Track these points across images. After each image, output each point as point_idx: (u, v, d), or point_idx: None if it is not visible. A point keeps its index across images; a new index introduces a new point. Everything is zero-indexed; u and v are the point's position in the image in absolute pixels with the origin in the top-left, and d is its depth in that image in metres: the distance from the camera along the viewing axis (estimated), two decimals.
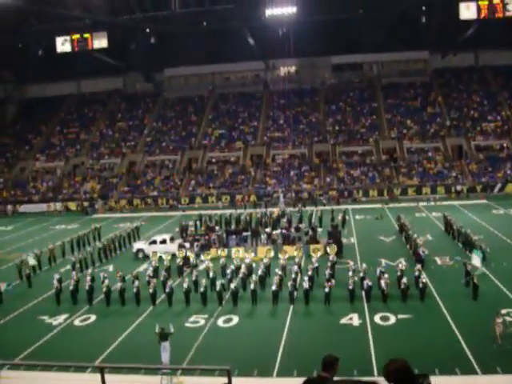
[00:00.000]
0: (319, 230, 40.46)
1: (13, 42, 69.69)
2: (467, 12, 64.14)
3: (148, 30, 70.15)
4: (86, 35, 68.94)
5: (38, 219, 59.51)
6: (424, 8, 66.93)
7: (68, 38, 69.22)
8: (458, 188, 59.48)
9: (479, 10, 63.70)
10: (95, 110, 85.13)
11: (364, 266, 28.99)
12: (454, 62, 77.73)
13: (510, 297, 25.82)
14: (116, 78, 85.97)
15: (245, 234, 39.37)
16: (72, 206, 65.86)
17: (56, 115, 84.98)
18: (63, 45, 69.70)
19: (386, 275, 27.02)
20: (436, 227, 43.57)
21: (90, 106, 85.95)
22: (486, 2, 63.58)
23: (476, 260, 29.23)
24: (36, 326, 26.17)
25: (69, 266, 35.64)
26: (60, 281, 29.96)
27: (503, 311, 23.30)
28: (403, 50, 75.51)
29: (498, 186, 59.62)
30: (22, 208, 66.63)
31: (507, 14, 63.72)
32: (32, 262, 35.35)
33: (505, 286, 27.50)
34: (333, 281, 27.56)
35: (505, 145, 65.83)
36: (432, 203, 55.17)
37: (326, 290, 26.59)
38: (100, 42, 69.17)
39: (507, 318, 22.85)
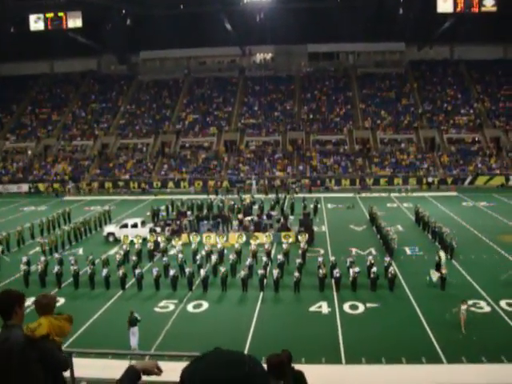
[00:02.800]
0: (291, 217, 40.55)
1: None
2: (444, 5, 64.55)
3: (124, 12, 69.28)
4: (61, 14, 67.73)
5: (6, 200, 58.59)
6: None
7: (41, 16, 67.94)
8: (430, 180, 60.06)
9: (456, 3, 64.18)
10: (68, 90, 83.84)
11: (334, 258, 29.05)
12: (430, 54, 78.30)
13: (477, 288, 26.22)
14: (90, 59, 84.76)
15: (216, 220, 39.35)
16: (42, 187, 64.87)
17: (28, 95, 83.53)
18: (36, 23, 68.43)
19: (357, 268, 27.14)
20: (407, 218, 43.95)
21: (62, 86, 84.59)
22: None
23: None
24: None
25: (38, 249, 35.25)
26: (28, 263, 29.61)
27: (470, 302, 23.65)
28: (380, 40, 75.73)
29: (469, 178, 60.36)
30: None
31: (483, 9, 64.33)
32: None
33: (472, 277, 27.91)
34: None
35: (476, 138, 66.61)
36: (403, 194, 55.64)
37: (296, 275, 26.73)
38: (74, 22, 68.06)
39: (473, 309, 23.24)
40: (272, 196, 51.58)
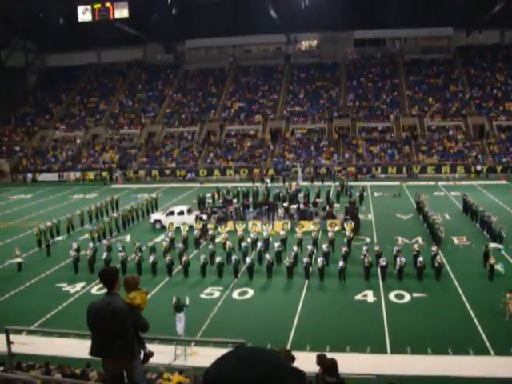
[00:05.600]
0: (336, 205, 40.37)
1: (34, 10, 69.56)
2: None
3: (169, 1, 69.69)
4: (108, 4, 68.49)
5: (56, 188, 59.94)
6: None
7: (89, 7, 68.83)
8: (478, 168, 58.84)
9: None
10: (115, 80, 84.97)
11: (378, 247, 28.77)
12: (479, 39, 76.32)
13: None
14: (136, 49, 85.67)
15: (262, 207, 39.43)
16: (90, 175, 66.21)
17: (76, 85, 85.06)
18: (84, 14, 69.40)
19: (403, 258, 26.89)
20: (454, 207, 43.26)
21: (110, 76, 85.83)
22: None
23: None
24: (54, 293, 26.59)
25: (87, 236, 36.02)
26: (78, 250, 30.34)
27: None
28: (427, 25, 74.26)
29: None
30: (42, 177, 67.17)
31: None
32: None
33: None
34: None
35: None
36: (451, 182, 54.71)
37: (341, 263, 26.68)
38: (121, 12, 68.75)
39: None
40: (318, 184, 51.52)
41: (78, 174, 66.37)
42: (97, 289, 26.51)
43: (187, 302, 21.34)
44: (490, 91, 70.41)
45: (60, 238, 36.35)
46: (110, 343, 5.72)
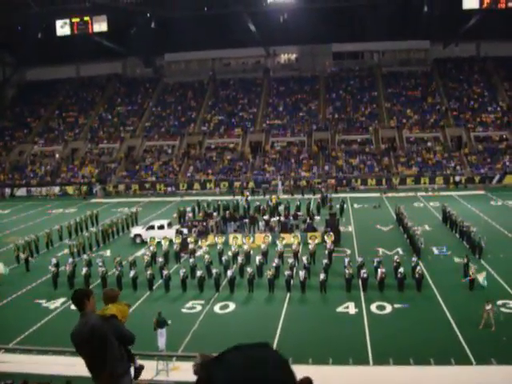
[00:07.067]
0: (317, 218, 40.43)
1: (12, 24, 69.15)
2: (470, 2, 63.73)
3: (148, 15, 69.74)
4: (86, 18, 68.40)
5: (35, 203, 59.36)
6: None
7: (68, 21, 68.67)
8: (457, 179, 59.38)
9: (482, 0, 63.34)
10: (94, 94, 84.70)
11: (361, 258, 28.82)
12: (456, 52, 77.39)
13: (507, 288, 25.88)
14: (115, 63, 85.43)
15: (242, 220, 39.39)
16: (70, 190, 65.70)
17: (55, 99, 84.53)
18: (63, 28, 69.19)
19: (384, 269, 26.95)
20: (434, 217, 43.54)
21: (89, 90, 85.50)
22: None
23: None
24: (33, 309, 26.24)
25: (66, 251, 35.66)
26: (57, 265, 29.99)
27: (499, 302, 23.36)
28: (405, 38, 75.13)
29: (497, 177, 59.56)
30: (20, 192, 66.49)
31: (510, 4, 63.28)
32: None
33: (501, 277, 27.56)
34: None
35: (504, 136, 65.68)
36: (430, 193, 55.14)
37: (322, 276, 26.69)
38: (100, 26, 68.68)
39: (502, 309, 22.96)
40: (298, 196, 51.63)
41: (45, 190, 65.85)
42: None
43: (168, 322, 21.13)
44: (467, 103, 71.26)
45: (32, 260, 34.72)
46: (99, 361, 5.55)
